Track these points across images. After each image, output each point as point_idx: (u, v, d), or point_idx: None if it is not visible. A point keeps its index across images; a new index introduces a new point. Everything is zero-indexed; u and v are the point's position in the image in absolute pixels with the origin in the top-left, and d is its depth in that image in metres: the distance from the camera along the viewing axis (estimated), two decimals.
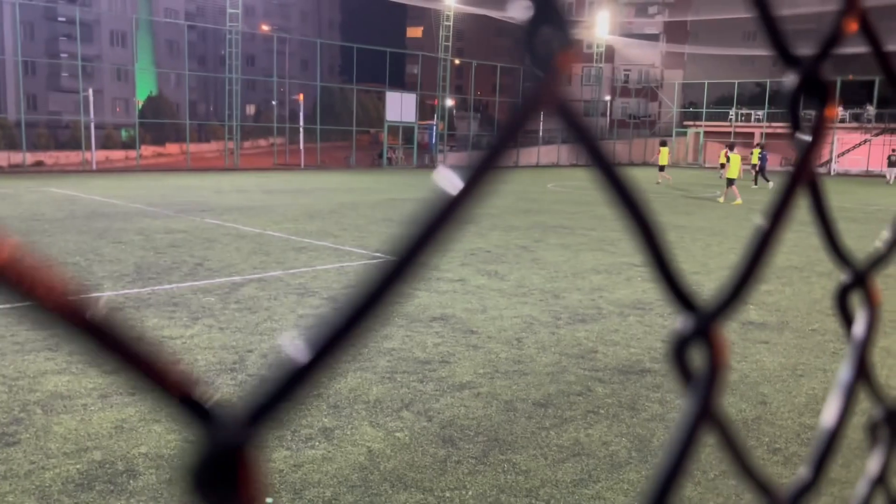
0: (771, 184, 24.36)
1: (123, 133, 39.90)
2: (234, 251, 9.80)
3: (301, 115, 34.41)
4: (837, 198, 21.15)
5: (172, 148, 37.99)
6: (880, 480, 0.55)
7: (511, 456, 3.78)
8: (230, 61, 32.70)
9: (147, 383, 0.17)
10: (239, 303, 6.89)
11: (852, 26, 0.42)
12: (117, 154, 33.34)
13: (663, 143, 28.06)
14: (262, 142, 45.66)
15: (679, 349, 0.31)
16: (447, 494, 3.37)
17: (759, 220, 0.39)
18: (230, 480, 0.14)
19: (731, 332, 6.27)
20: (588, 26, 47.68)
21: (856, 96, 38.61)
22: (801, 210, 0.48)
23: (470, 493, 3.39)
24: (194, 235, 11.16)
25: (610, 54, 49.82)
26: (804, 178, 0.41)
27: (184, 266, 8.62)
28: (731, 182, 19.55)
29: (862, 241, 11.44)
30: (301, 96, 34.40)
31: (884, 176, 32.35)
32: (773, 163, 38.14)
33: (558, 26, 0.24)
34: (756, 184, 25.46)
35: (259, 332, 5.90)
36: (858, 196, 23.19)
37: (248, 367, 5.06)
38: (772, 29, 0.39)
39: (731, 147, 22.80)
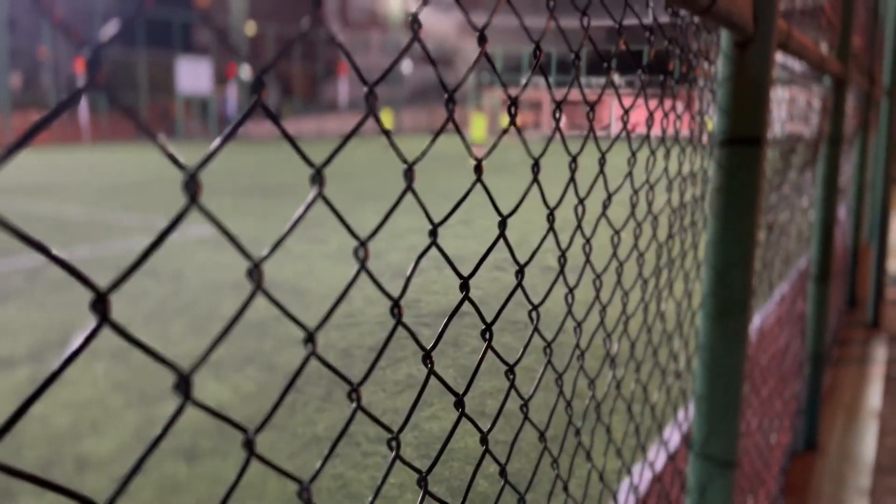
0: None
1: None
2: (30, 231, 9.15)
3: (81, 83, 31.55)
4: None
5: None
6: None
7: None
8: None
9: None
10: (49, 282, 6.59)
11: None
12: None
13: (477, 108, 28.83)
14: (34, 114, 41.26)
15: None
16: (300, 430, 3.70)
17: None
18: None
19: (532, 276, 7.10)
20: None
21: (628, 64, 42.66)
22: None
23: (320, 426, 3.75)
24: None
25: (407, 23, 50.63)
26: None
27: None
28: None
29: None
30: (81, 64, 31.51)
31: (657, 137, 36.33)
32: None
33: None
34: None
35: (79, 309, 5.75)
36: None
37: (77, 340, 4.98)
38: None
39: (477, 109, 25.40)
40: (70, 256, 7.68)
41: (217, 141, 0.44)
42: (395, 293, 6.41)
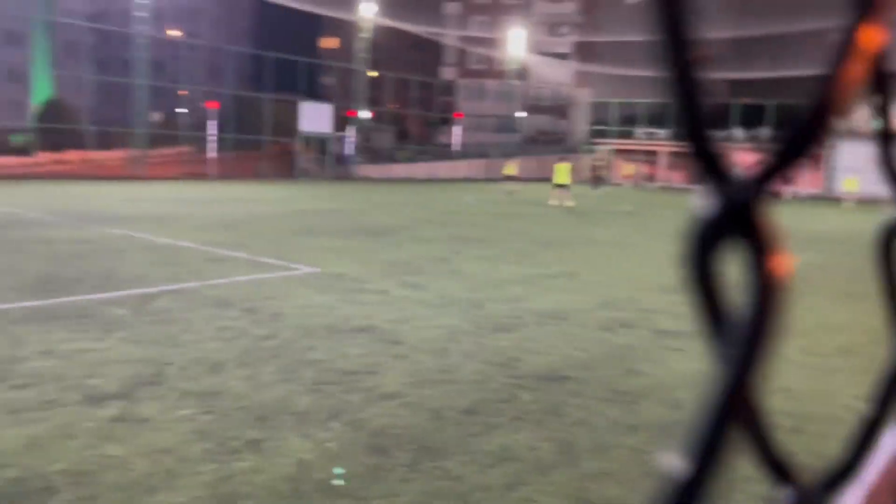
0: (599, 191, 31.46)
1: (15, 138, 37.51)
2: (145, 262, 9.45)
3: (212, 122, 33.49)
4: None
5: (72, 155, 36.03)
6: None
7: (441, 462, 3.82)
8: (137, 66, 31.63)
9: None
10: (153, 315, 6.66)
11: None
12: (9, 160, 31.32)
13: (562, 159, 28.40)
14: (168, 150, 44.15)
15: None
16: (379, 502, 3.38)
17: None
18: (745, 229, 0.17)
19: (643, 339, 6.55)
20: (502, 44, 48.68)
21: (751, 118, 41.00)
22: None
23: (402, 499, 3.41)
24: (101, 246, 10.69)
25: (523, 72, 50.97)
26: None
27: (91, 277, 8.25)
28: (562, 187, 23.22)
29: None
30: (214, 103, 33.50)
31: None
32: (676, 178, 39.98)
33: None
34: (594, 189, 32.05)
35: (176, 345, 5.72)
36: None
37: (168, 379, 4.90)
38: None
39: (560, 160, 26.12)
40: (176, 288, 7.81)
41: None
42: (493, 349, 6.02)
